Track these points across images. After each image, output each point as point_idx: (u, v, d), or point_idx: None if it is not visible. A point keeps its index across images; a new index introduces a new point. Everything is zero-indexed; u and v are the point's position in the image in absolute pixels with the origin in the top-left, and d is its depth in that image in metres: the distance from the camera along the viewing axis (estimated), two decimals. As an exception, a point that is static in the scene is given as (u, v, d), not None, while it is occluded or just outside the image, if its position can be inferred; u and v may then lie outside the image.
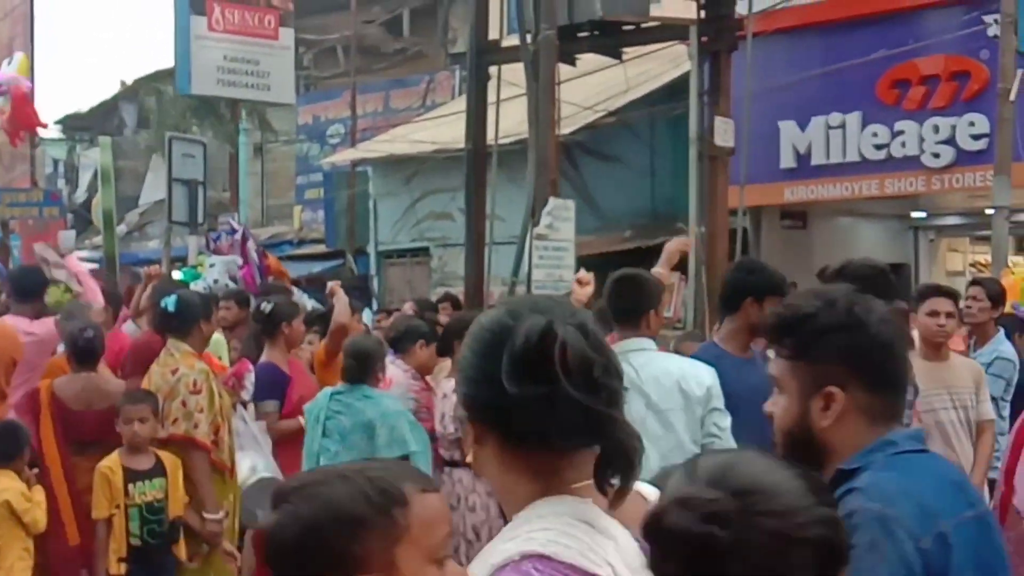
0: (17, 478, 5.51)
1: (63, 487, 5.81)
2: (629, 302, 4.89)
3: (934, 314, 6.15)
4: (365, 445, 5.92)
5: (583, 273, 6.66)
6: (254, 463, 6.29)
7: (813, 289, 2.52)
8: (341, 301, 7.30)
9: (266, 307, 6.90)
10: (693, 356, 5.87)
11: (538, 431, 1.74)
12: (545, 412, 1.73)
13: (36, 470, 5.71)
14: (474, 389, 1.81)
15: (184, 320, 6.04)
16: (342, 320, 7.12)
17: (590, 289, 5.85)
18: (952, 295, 6.37)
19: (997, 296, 7.24)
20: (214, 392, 5.88)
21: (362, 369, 6.16)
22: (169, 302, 6.05)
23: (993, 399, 6.37)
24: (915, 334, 6.17)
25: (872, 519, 2.13)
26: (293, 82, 20.02)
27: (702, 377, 4.84)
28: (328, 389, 6.27)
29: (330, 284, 7.67)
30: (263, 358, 6.86)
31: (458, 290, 13.43)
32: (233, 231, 10.49)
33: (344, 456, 5.76)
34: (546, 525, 1.73)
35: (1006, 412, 6.56)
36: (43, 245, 7.58)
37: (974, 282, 7.63)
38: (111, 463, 5.67)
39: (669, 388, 4.72)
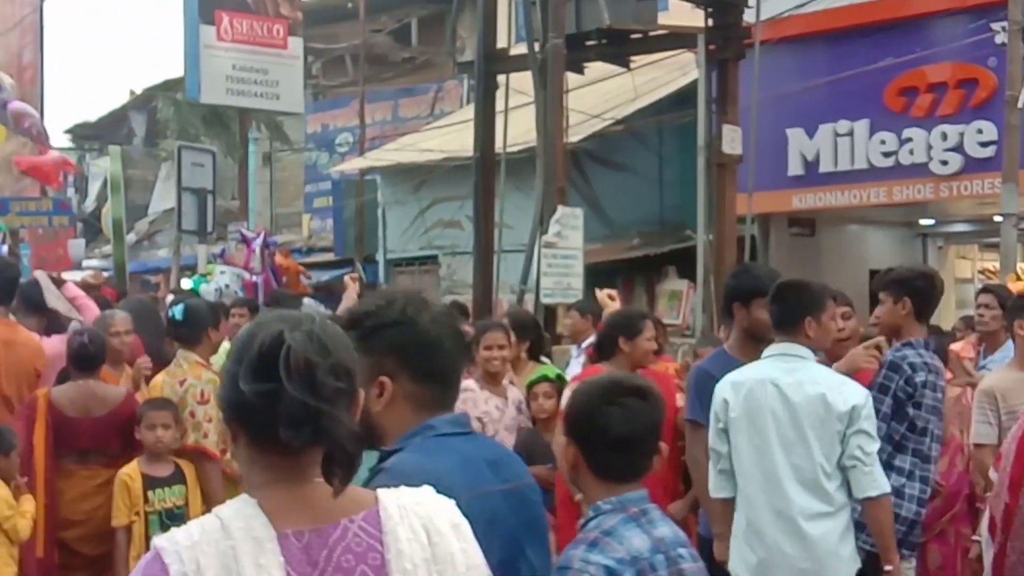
0: (4, 486, 5.47)
1: (41, 498, 5.73)
2: (787, 308, 4.81)
3: None
4: None
5: (612, 291, 6.74)
6: None
7: (383, 290, 2.89)
8: (350, 296, 7.27)
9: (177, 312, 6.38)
10: (702, 362, 5.90)
11: (267, 426, 1.89)
12: (271, 408, 1.88)
13: (27, 479, 5.65)
14: (223, 390, 1.98)
15: (192, 329, 6.05)
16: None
17: (616, 305, 5.91)
18: None
19: (1007, 303, 7.22)
20: None
21: None
22: (177, 311, 6.05)
23: None
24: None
25: None
26: (302, 91, 20.10)
27: (851, 394, 4.67)
28: None
29: (346, 277, 7.62)
30: None
31: (466, 298, 13.45)
32: (244, 239, 10.53)
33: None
34: (199, 521, 1.93)
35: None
36: (42, 273, 7.51)
37: (985, 290, 7.62)
38: (130, 470, 5.68)
39: (812, 397, 4.62)
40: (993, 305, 7.15)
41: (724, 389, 4.76)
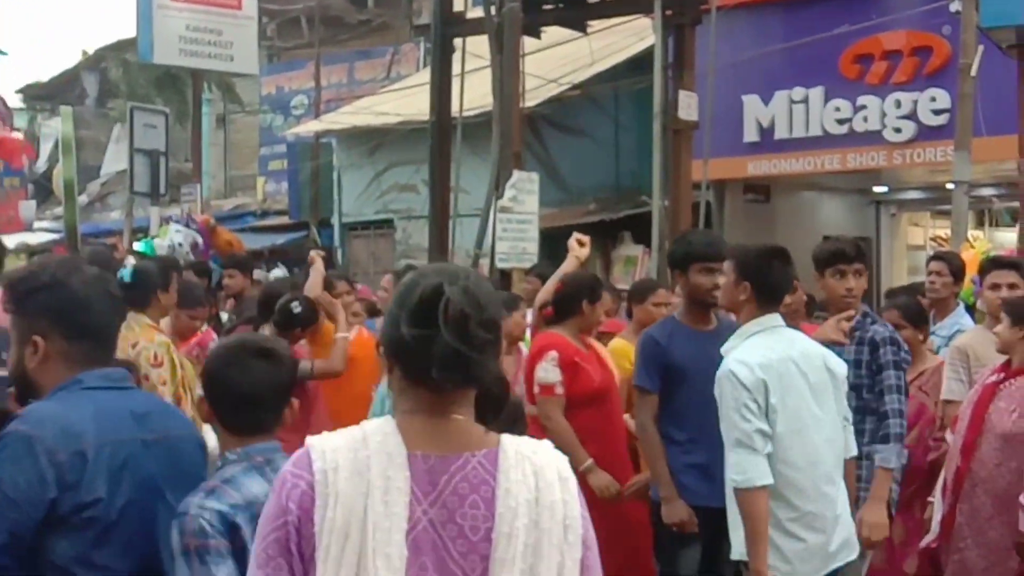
0: None
1: None
2: (780, 279, 4.59)
3: (995, 287, 6.25)
4: None
5: (581, 236, 6.60)
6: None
7: (47, 257, 3.07)
8: (316, 272, 7.15)
9: (296, 308, 6.63)
10: (650, 329, 5.92)
11: (421, 366, 2.15)
12: (426, 351, 2.14)
13: None
14: (386, 328, 2.24)
15: (141, 291, 5.97)
16: (310, 294, 7.01)
17: (587, 251, 5.84)
18: (1011, 265, 6.49)
19: (958, 271, 7.30)
20: (175, 364, 5.84)
21: None
22: (126, 273, 5.97)
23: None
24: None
25: (18, 438, 2.66)
26: (256, 52, 19.88)
27: (836, 358, 4.68)
28: None
29: (312, 253, 7.48)
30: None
31: (422, 262, 13.43)
32: (189, 223, 10.44)
33: None
34: (347, 430, 2.23)
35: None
36: None
37: (936, 257, 7.67)
38: None
39: (819, 368, 4.53)
40: (944, 272, 7.21)
41: (754, 370, 4.36)
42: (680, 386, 5.34)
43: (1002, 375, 5.47)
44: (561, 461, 2.27)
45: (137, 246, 11.81)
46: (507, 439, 2.25)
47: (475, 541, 2.15)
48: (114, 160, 26.29)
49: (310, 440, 2.19)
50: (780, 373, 4.40)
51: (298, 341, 6.78)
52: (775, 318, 4.57)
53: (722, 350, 4.61)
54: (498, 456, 2.21)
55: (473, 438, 2.22)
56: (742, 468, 4.31)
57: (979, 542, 5.35)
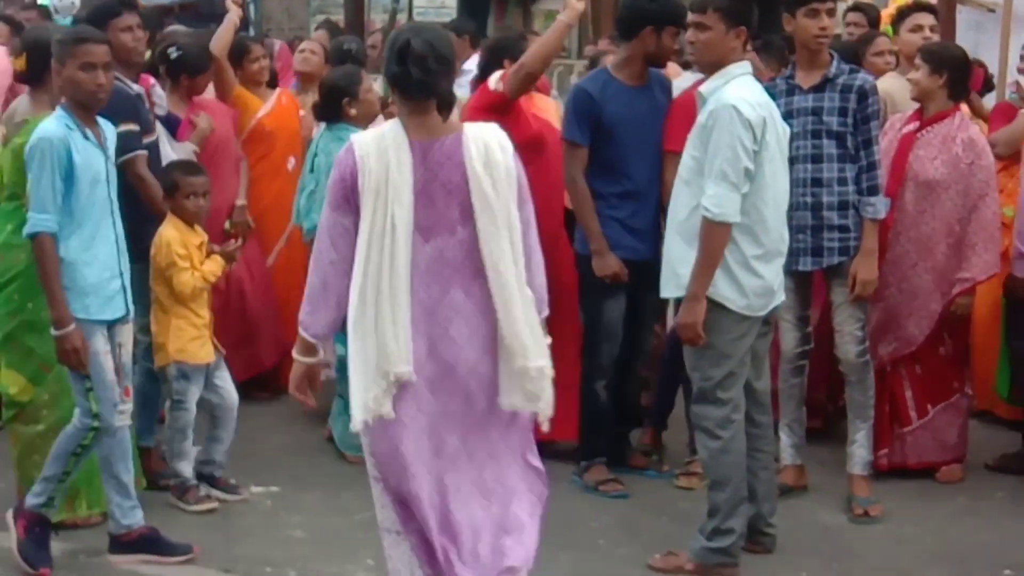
0: (187, 229, 5.30)
1: None
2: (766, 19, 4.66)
3: (918, 28, 6.28)
4: None
5: None
6: None
7: None
8: (227, 23, 6.72)
9: (173, 53, 6.33)
10: (581, 82, 5.83)
11: (404, 89, 3.58)
12: (406, 80, 3.55)
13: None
14: (385, 68, 3.67)
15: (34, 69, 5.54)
16: (214, 48, 6.59)
17: (583, 4, 5.60)
18: (934, 10, 6.51)
19: (875, 21, 7.32)
20: None
21: (328, 106, 5.95)
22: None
23: None
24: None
25: None
26: None
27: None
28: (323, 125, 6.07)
29: (229, 1, 6.97)
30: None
31: (337, 18, 13.04)
32: None
33: (319, 193, 5.58)
34: (377, 127, 3.89)
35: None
36: None
37: (854, 7, 7.65)
38: None
39: (778, 115, 4.60)
40: (861, 23, 7.24)
41: (756, 108, 4.38)
42: (610, 140, 5.33)
43: (917, 123, 5.51)
44: (502, 136, 3.67)
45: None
46: (466, 126, 3.70)
47: (450, 190, 3.58)
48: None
49: (353, 137, 3.69)
50: (771, 113, 4.48)
51: (197, 92, 6.53)
52: (749, 65, 4.60)
53: (702, 90, 4.60)
54: (461, 137, 3.61)
55: (445, 127, 3.62)
56: (719, 202, 4.34)
57: (902, 288, 5.50)
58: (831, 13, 5.17)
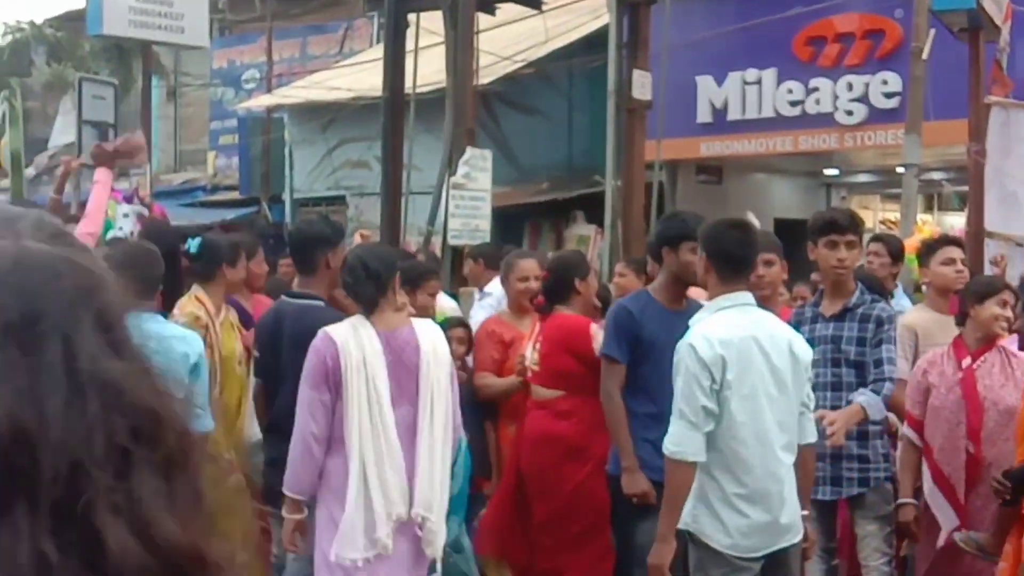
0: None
1: None
2: (740, 252, 4.58)
3: (950, 262, 6.28)
4: None
5: None
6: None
7: None
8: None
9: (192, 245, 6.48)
10: (623, 300, 5.92)
11: (347, 291, 4.79)
12: (346, 286, 4.80)
13: None
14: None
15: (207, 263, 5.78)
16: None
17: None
18: (960, 244, 6.58)
19: (897, 252, 7.38)
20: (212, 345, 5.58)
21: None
22: (194, 244, 5.79)
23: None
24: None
25: None
26: (207, 24, 19.64)
27: (804, 343, 4.68)
28: None
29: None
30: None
31: (374, 238, 13.34)
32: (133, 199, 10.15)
33: None
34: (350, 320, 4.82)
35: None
36: None
37: (875, 238, 7.76)
38: None
39: (784, 350, 4.52)
40: (882, 253, 7.31)
41: (714, 346, 4.39)
42: (646, 361, 5.36)
43: (969, 358, 5.46)
44: (436, 331, 4.77)
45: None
46: (414, 320, 4.76)
47: (411, 369, 4.50)
48: (62, 133, 25.92)
49: (327, 330, 4.52)
50: (740, 350, 4.41)
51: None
52: (744, 296, 4.58)
53: (690, 322, 4.64)
54: (414, 327, 4.63)
55: (399, 320, 4.60)
56: (678, 440, 4.37)
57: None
58: (851, 245, 5.25)
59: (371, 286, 4.54)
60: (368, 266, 4.56)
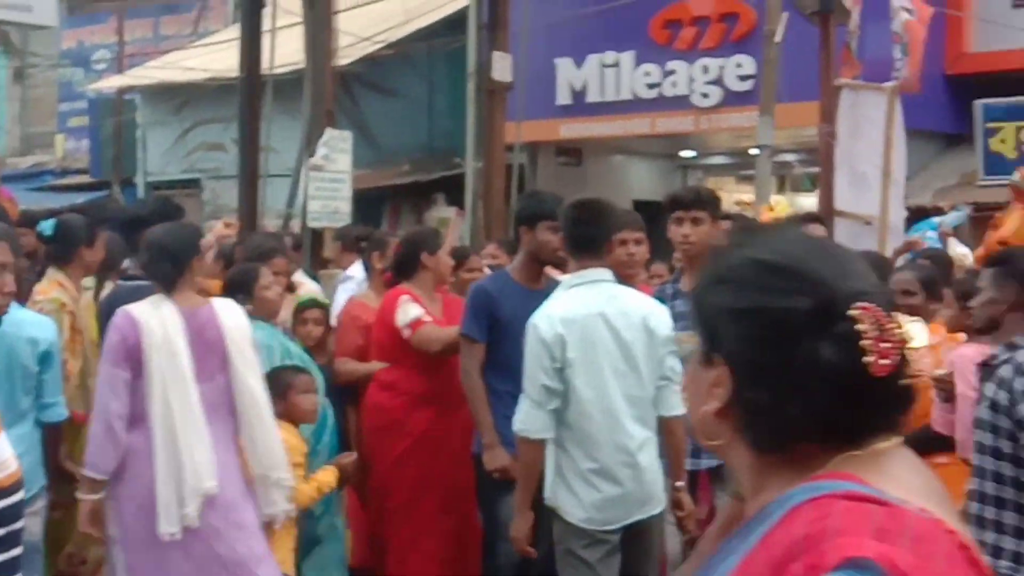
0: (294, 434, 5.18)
1: None
2: (591, 229, 4.61)
3: None
4: None
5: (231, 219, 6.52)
6: None
7: None
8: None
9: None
10: (481, 281, 5.92)
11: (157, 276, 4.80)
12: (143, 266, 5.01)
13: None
14: None
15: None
16: None
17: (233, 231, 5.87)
18: (822, 220, 6.74)
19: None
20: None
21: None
22: (47, 226, 5.57)
23: None
24: None
25: None
26: (56, 3, 19.05)
27: (665, 317, 4.65)
28: None
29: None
30: None
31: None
32: None
33: None
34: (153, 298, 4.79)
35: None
36: None
37: (727, 217, 7.89)
38: None
39: (637, 325, 4.53)
40: None
41: (555, 325, 4.45)
42: (506, 339, 5.36)
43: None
44: (236, 309, 4.76)
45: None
46: (213, 299, 4.82)
47: (211, 345, 4.57)
48: (-100, 114, 24.92)
49: (127, 308, 4.55)
50: (584, 327, 4.47)
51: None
52: (599, 272, 4.60)
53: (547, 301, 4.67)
54: (213, 306, 4.68)
55: (200, 301, 4.70)
56: (523, 418, 4.49)
57: None
58: (697, 222, 5.27)
59: (168, 266, 4.58)
60: (165, 246, 4.61)
